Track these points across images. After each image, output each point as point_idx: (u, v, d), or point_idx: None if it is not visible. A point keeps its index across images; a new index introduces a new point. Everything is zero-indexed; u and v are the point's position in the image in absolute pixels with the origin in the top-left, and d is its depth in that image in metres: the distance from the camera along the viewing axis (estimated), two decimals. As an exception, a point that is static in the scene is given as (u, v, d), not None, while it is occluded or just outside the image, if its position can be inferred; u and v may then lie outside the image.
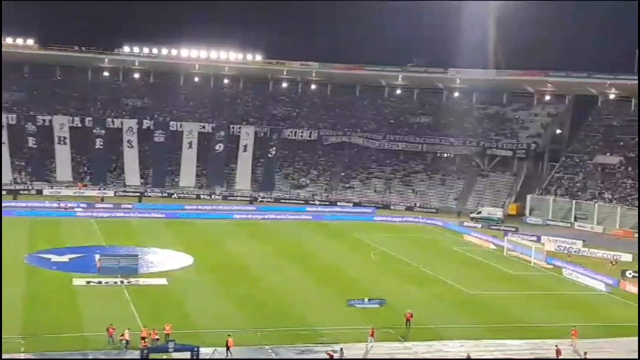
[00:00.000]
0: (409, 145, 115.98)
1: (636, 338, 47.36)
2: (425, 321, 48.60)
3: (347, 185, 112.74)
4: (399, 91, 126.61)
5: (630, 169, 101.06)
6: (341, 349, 41.17)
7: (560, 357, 42.08)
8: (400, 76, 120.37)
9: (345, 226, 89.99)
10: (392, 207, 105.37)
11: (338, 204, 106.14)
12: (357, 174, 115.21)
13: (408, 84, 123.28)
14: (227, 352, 40.53)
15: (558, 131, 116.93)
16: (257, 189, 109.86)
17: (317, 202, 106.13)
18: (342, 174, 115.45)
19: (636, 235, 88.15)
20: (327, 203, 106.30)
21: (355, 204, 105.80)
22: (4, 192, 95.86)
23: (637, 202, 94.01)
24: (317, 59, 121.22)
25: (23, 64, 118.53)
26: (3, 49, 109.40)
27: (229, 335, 41.29)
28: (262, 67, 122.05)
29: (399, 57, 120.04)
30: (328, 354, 40.43)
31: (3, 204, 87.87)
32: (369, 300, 52.89)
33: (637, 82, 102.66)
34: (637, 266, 68.50)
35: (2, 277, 52.96)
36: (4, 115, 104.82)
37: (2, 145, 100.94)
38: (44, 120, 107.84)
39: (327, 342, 43.29)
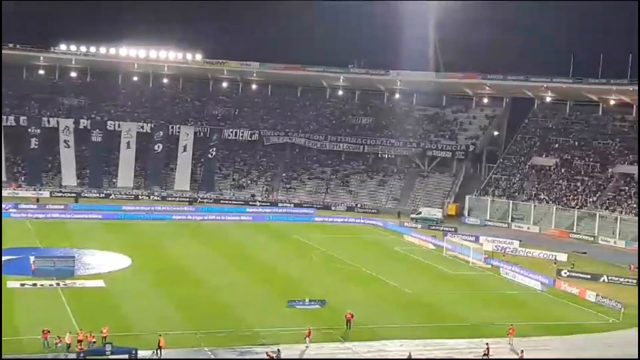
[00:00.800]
0: (351, 146, 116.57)
1: (571, 336, 48.67)
2: (366, 321, 48.78)
3: (288, 186, 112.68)
4: (340, 92, 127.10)
5: (563, 170, 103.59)
6: (278, 350, 40.98)
7: (490, 356, 42.49)
8: (341, 77, 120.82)
9: (286, 227, 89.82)
10: (332, 207, 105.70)
11: (279, 204, 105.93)
12: (299, 175, 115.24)
13: (349, 85, 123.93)
14: (157, 352, 39.91)
15: (496, 133, 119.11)
16: (197, 189, 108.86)
17: (257, 203, 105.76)
18: (283, 174, 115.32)
19: (571, 235, 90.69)
20: (268, 204, 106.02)
21: (296, 205, 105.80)
22: None
23: (572, 203, 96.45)
24: (258, 59, 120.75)
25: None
26: None
27: (160, 335, 40.78)
28: (202, 66, 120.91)
29: (341, 58, 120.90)
30: (268, 354, 40.27)
31: None
32: (310, 301, 52.85)
33: (571, 84, 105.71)
34: (571, 265, 70.44)
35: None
36: None
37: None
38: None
39: (268, 344, 43.09)
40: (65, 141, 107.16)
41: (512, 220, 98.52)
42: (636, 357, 44.21)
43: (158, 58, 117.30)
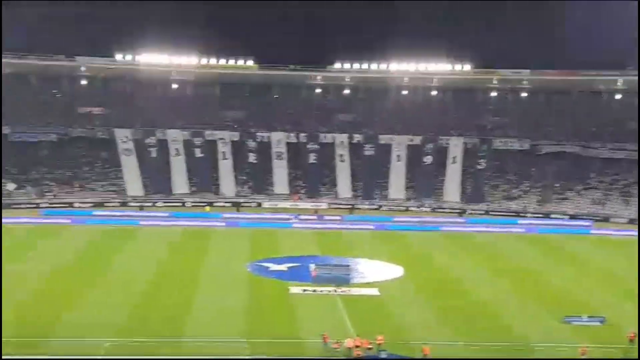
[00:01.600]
0: (632, 153, 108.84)
1: None
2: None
3: (562, 197, 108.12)
4: (618, 96, 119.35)
5: None
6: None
7: None
8: (619, 80, 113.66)
9: (559, 240, 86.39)
10: (612, 220, 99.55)
11: (552, 216, 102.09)
12: (573, 185, 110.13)
13: (628, 88, 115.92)
14: None
15: None
16: (466, 200, 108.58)
17: (529, 215, 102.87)
18: (557, 185, 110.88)
19: None
20: (541, 216, 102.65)
21: (571, 217, 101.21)
22: (228, 204, 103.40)
23: None
24: (529, 65, 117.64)
25: (243, 84, 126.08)
26: (226, 70, 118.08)
27: (424, 345, 41.46)
28: (471, 76, 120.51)
29: (614, 60, 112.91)
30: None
31: (228, 215, 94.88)
32: (588, 317, 50.44)
33: None
34: None
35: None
36: (227, 133, 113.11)
37: (175, 158, 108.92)
38: (263, 137, 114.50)
39: (541, 359, 41.97)
40: (340, 155, 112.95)
41: None
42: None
43: (427, 70, 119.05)
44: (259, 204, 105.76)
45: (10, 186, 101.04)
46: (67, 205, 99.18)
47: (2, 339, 41.19)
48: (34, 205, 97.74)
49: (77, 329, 45.59)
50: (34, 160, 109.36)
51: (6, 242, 71.25)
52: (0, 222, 77.70)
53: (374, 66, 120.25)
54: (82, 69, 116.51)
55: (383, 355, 39.60)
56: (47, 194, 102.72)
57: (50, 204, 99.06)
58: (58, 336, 44.14)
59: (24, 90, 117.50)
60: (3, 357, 36.90)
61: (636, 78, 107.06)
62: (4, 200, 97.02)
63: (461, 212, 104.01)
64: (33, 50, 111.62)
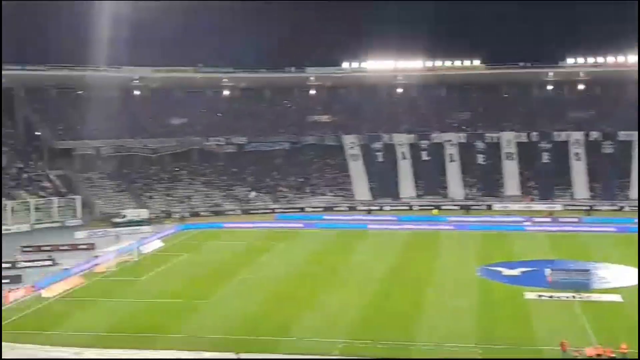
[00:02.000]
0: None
1: None
2: None
3: None
4: None
5: None
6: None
7: None
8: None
9: None
10: None
11: None
12: None
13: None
14: None
15: None
16: None
17: None
18: None
19: None
20: None
21: None
22: (456, 207, 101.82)
23: None
24: None
25: (470, 84, 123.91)
26: (453, 72, 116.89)
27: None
28: None
29: None
30: None
31: (455, 219, 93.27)
32: None
33: None
34: None
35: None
36: (454, 135, 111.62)
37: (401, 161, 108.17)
38: (491, 138, 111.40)
39: None
40: (575, 154, 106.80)
41: None
42: None
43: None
44: (489, 207, 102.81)
45: (251, 194, 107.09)
46: (299, 209, 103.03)
47: (239, 336, 43.21)
48: (270, 210, 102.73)
49: (312, 329, 46.53)
50: (269, 168, 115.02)
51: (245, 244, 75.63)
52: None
53: (610, 59, 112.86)
54: (311, 79, 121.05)
55: (628, 366, 36.15)
56: (281, 199, 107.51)
57: (285, 209, 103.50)
58: (294, 336, 45.33)
59: (258, 103, 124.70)
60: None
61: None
62: (244, 207, 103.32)
63: None
64: (264, 64, 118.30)
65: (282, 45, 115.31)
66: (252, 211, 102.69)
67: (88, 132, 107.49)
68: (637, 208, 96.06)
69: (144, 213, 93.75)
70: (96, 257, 69.21)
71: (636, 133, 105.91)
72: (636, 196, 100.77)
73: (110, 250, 70.73)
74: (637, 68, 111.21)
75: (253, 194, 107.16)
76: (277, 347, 43.10)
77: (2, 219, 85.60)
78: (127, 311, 51.50)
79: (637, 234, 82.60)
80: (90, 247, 75.41)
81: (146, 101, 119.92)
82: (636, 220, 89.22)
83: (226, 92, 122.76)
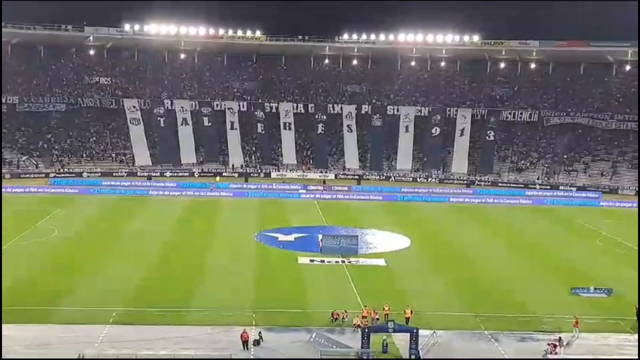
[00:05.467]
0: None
1: None
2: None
3: (570, 169, 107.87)
4: (628, 67, 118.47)
5: None
6: (560, 338, 40.04)
7: None
8: (630, 52, 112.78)
9: (568, 211, 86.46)
10: (620, 191, 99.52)
11: (560, 188, 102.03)
12: (581, 157, 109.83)
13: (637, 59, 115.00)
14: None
15: None
16: (474, 172, 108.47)
17: (537, 186, 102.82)
18: (565, 156, 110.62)
19: None
20: (549, 187, 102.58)
21: (579, 189, 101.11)
22: (235, 175, 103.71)
23: None
24: (537, 36, 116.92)
25: (251, 54, 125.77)
26: (234, 41, 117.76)
27: (407, 307, 43.21)
28: (480, 47, 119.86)
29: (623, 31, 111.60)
30: (549, 344, 39.56)
31: (235, 186, 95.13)
32: (595, 289, 50.62)
33: None
34: None
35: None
36: (235, 103, 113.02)
37: (183, 128, 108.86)
38: (271, 107, 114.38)
39: (549, 331, 42.21)
40: (348, 126, 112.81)
41: None
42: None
43: (435, 41, 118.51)
44: (268, 174, 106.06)
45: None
46: (75, 175, 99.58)
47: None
48: (43, 175, 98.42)
49: (87, 299, 46.01)
50: (43, 130, 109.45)
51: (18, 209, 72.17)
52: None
53: (382, 37, 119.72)
54: (90, 38, 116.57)
55: (390, 325, 39.80)
56: (55, 163, 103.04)
57: (60, 173, 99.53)
58: (65, 306, 44.60)
59: (32, 61, 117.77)
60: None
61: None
62: (14, 170, 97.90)
63: (469, 184, 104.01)
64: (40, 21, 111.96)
65: (59, 2, 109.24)
66: (23, 175, 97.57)
67: None
68: (438, 180, 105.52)
69: None
70: None
71: (403, 108, 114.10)
72: (402, 167, 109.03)
73: None
74: (408, 46, 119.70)
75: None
76: (48, 318, 42.17)
77: None
78: None
79: (401, 202, 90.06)
80: None
81: None
82: (402, 190, 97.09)
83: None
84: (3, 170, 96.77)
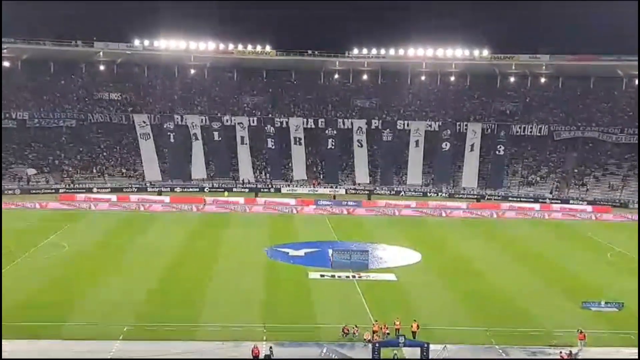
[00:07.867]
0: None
1: None
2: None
3: (580, 183, 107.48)
4: (637, 81, 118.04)
5: None
6: (570, 352, 39.86)
7: None
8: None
9: (577, 225, 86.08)
10: (630, 205, 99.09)
11: (570, 202, 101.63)
12: (592, 171, 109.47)
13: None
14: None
15: None
16: (485, 186, 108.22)
17: (547, 200, 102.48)
18: (575, 170, 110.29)
19: None
20: (559, 201, 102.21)
21: (590, 202, 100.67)
22: (245, 190, 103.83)
23: None
24: (547, 50, 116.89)
25: (261, 70, 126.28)
26: (244, 56, 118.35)
27: (414, 321, 42.57)
28: (490, 62, 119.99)
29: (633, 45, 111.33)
30: (561, 356, 39.37)
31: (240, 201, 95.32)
32: (606, 303, 50.34)
33: None
34: None
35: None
36: (246, 118, 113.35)
37: (193, 143, 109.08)
38: (281, 122, 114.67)
39: (560, 345, 41.98)
40: (358, 141, 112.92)
41: None
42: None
43: (445, 56, 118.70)
44: (278, 190, 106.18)
45: (29, 171, 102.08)
46: (85, 190, 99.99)
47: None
48: (53, 191, 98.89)
49: (97, 313, 46.08)
50: (53, 146, 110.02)
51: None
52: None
53: (392, 52, 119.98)
54: (100, 54, 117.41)
55: (401, 340, 39.64)
56: (65, 179, 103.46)
57: (70, 189, 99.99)
58: (76, 321, 44.70)
59: (42, 77, 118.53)
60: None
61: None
62: (24, 186, 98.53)
63: (479, 198, 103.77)
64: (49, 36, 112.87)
65: (69, 18, 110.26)
66: (33, 191, 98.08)
67: None
68: (448, 195, 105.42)
69: None
70: None
71: (413, 122, 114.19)
72: (412, 182, 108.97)
73: None
74: (418, 61, 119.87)
75: (31, 170, 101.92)
76: (57, 333, 42.22)
77: None
78: None
79: (411, 217, 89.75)
80: None
81: None
82: (412, 205, 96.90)
83: (6, 64, 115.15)
84: (13, 186, 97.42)
